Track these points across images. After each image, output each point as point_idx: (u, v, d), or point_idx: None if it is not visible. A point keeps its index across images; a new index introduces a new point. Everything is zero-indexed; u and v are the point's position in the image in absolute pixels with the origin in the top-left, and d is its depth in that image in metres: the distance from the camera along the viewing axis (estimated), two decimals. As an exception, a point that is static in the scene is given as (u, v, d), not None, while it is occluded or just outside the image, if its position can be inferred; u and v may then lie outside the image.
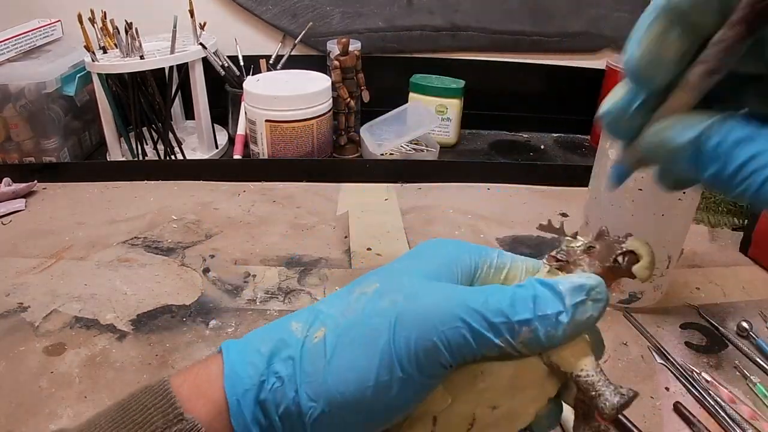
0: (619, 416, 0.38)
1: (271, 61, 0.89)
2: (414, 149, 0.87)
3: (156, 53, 0.77)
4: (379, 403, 0.24)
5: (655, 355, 0.46)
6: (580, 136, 0.99)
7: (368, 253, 0.60)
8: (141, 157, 0.81)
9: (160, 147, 0.81)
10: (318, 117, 0.77)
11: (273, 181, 0.73)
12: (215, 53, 0.83)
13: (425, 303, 0.25)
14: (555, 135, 1.00)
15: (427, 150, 0.87)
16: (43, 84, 0.74)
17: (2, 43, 0.74)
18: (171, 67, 0.81)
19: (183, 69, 0.80)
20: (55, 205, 0.66)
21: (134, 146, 0.81)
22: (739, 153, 0.20)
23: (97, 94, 0.78)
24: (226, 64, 0.85)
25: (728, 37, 0.19)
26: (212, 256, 0.57)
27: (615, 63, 0.88)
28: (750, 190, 0.20)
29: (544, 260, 0.29)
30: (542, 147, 0.95)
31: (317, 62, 0.88)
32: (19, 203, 0.65)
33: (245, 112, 0.80)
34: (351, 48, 0.82)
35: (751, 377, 0.43)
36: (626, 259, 0.27)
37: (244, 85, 0.78)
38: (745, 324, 0.49)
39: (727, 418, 0.39)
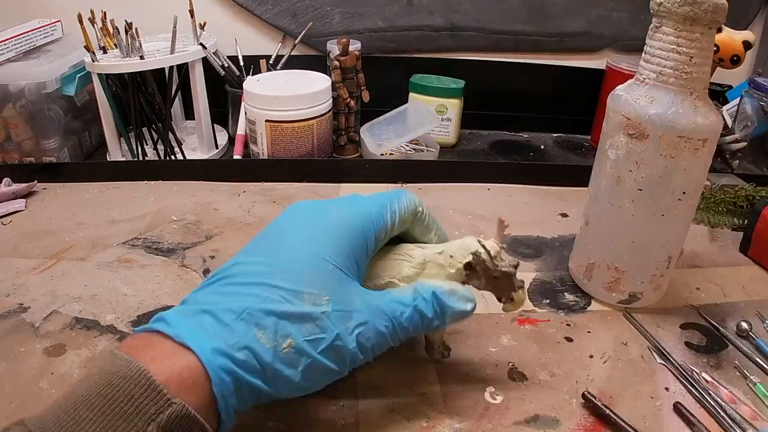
0: (620, 416, 0.38)
1: (271, 61, 0.89)
2: (414, 149, 0.87)
3: (156, 53, 0.77)
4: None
5: (655, 355, 0.46)
6: (580, 136, 0.99)
7: (368, 253, 0.60)
8: (141, 158, 0.81)
9: (160, 147, 0.81)
10: (318, 117, 0.77)
11: (273, 181, 0.73)
12: (215, 53, 0.83)
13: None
14: (555, 135, 1.00)
15: (427, 150, 0.87)
16: (43, 84, 0.74)
17: (2, 43, 0.74)
18: (171, 67, 0.81)
19: (183, 69, 0.80)
20: (55, 205, 0.66)
21: (134, 146, 0.81)
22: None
23: (97, 94, 0.78)
24: (226, 64, 0.85)
25: None
26: (212, 257, 0.57)
27: (615, 63, 0.88)
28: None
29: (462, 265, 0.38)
30: (542, 147, 0.96)
31: (317, 62, 0.88)
32: (19, 203, 0.65)
33: (245, 112, 0.80)
34: (351, 48, 0.82)
35: (751, 377, 0.43)
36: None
37: (244, 85, 0.78)
38: (745, 324, 0.49)
39: (727, 418, 0.39)
